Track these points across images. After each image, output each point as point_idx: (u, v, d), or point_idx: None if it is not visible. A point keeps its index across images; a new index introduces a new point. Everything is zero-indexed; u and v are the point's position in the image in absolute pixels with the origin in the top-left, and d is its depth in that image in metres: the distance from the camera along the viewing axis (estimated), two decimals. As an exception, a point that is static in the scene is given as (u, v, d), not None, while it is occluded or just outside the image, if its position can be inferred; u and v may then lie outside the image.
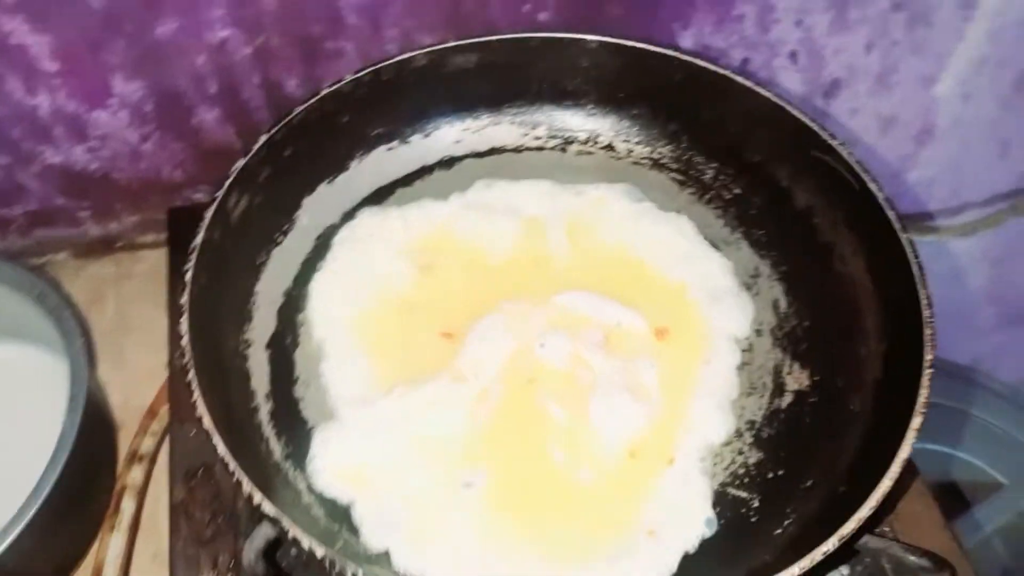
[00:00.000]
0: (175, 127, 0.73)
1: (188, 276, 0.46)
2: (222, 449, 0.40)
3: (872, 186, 0.53)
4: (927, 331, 0.46)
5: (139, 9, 0.63)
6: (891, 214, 0.51)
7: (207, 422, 0.41)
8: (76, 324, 0.61)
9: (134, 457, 0.62)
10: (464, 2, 0.69)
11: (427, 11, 0.69)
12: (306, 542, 0.37)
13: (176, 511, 0.52)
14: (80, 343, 0.59)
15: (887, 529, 0.53)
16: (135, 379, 0.70)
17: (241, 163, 0.53)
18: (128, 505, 0.60)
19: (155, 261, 0.80)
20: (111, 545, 0.58)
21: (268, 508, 0.38)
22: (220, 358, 0.49)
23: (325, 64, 0.70)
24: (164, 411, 0.65)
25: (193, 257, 0.47)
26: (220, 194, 0.51)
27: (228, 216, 0.52)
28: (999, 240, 1.10)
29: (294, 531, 0.37)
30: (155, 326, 0.72)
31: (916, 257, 0.49)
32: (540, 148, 0.65)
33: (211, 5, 0.64)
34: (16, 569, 0.51)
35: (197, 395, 0.41)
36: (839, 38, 0.81)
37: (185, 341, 0.44)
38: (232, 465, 0.39)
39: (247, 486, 0.39)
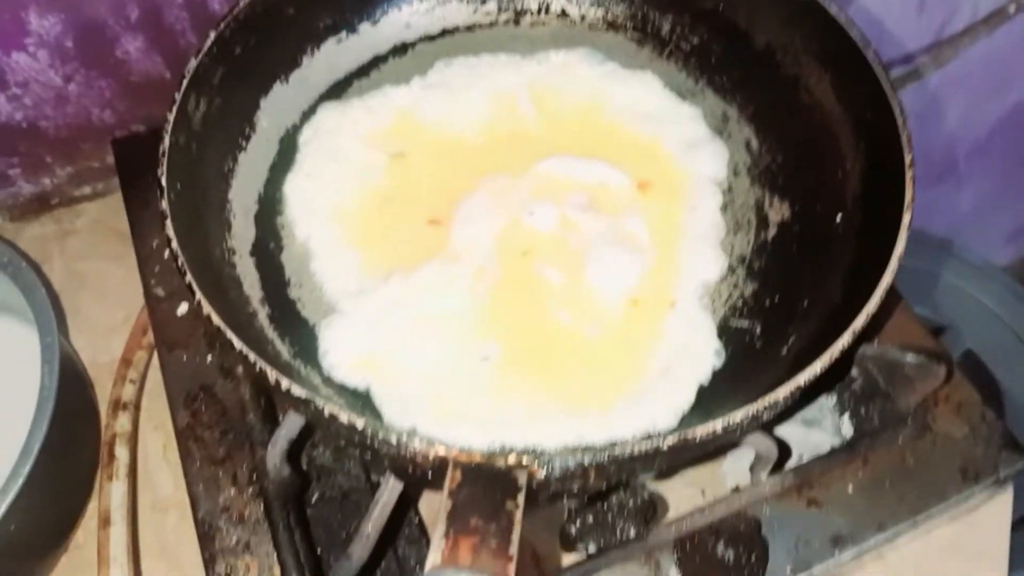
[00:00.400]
0: (99, 62, 0.69)
1: (163, 180, 0.44)
2: (239, 343, 0.39)
3: (831, 9, 0.53)
4: (903, 135, 0.47)
5: (46, -63, 0.58)
6: (854, 33, 0.51)
7: (216, 320, 0.39)
8: (34, 277, 0.59)
9: (117, 405, 0.61)
10: None
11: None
12: (344, 416, 0.37)
13: (183, 436, 0.51)
14: (42, 295, 0.57)
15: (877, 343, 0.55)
16: (98, 335, 0.68)
17: (194, 62, 0.50)
18: (122, 453, 0.59)
19: (96, 213, 0.77)
20: (113, 493, 0.57)
21: (297, 391, 0.38)
22: (210, 265, 0.47)
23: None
24: (139, 358, 0.64)
25: (164, 161, 0.45)
26: (178, 96, 0.49)
27: (190, 120, 0.50)
28: (921, 95, 1.13)
29: (329, 407, 0.37)
30: (108, 279, 0.70)
31: (883, 67, 0.50)
32: (492, 24, 0.63)
33: (119, -80, 0.60)
34: (19, 528, 0.50)
35: (199, 296, 0.40)
36: None
37: (175, 246, 0.42)
38: (252, 357, 0.39)
39: (272, 375, 0.38)
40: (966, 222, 1.33)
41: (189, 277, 0.41)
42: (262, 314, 0.49)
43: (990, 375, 1.05)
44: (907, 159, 0.46)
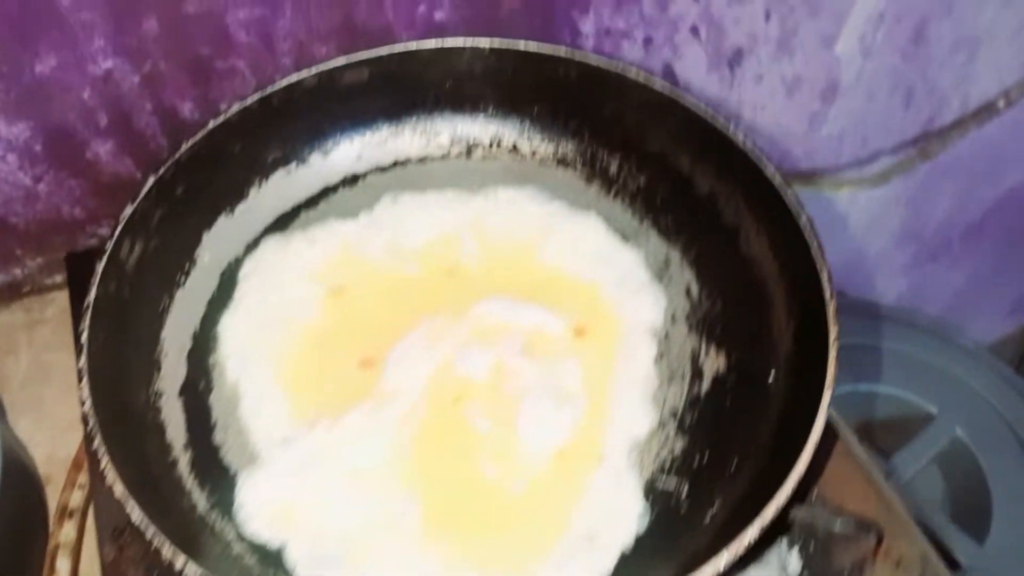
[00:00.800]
0: (69, 164, 0.70)
1: (84, 337, 0.44)
2: (137, 516, 0.39)
3: (768, 170, 0.54)
4: (830, 307, 0.47)
5: (13, 48, 0.60)
6: (788, 196, 0.52)
7: (119, 491, 0.39)
8: None
9: (64, 512, 0.60)
10: (357, 7, 0.68)
11: (319, 20, 0.67)
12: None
13: (108, 573, 0.51)
14: None
15: (815, 494, 0.54)
16: (58, 431, 0.68)
17: (129, 209, 0.51)
18: (63, 564, 0.58)
19: (66, 303, 0.77)
20: (47, 606, 0.56)
21: (192, 572, 0.37)
22: (130, 415, 0.47)
23: (219, 84, 0.68)
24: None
25: (87, 317, 0.45)
26: (110, 245, 0.49)
27: (122, 266, 0.50)
28: (911, 183, 1.13)
29: (220, 590, 0.37)
30: (73, 373, 0.70)
31: (814, 234, 0.50)
32: (444, 156, 0.64)
33: (90, 37, 0.61)
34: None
35: (106, 462, 0.40)
36: (737, 9, 0.82)
37: (87, 407, 0.42)
38: (151, 532, 0.38)
39: (167, 552, 0.38)
40: (962, 299, 1.31)
41: (98, 443, 0.41)
42: (183, 461, 0.49)
43: (976, 463, 1.03)
44: (831, 333, 0.46)
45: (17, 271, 0.77)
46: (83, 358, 0.43)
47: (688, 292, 0.58)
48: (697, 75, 0.87)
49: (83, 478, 0.62)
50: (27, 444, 0.66)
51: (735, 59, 0.87)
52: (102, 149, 0.69)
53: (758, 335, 0.54)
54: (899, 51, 0.91)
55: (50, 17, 0.59)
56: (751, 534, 0.41)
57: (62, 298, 0.77)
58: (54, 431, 0.67)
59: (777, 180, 0.53)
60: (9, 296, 0.78)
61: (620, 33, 0.80)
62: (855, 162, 1.07)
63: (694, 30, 0.82)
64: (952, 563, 0.89)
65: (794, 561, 0.56)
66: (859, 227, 1.19)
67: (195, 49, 0.65)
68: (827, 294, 0.48)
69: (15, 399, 0.70)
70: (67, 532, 0.59)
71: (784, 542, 0.56)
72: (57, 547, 0.58)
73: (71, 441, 0.66)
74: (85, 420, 0.42)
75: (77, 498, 0.61)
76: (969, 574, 0.90)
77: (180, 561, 0.38)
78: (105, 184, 0.72)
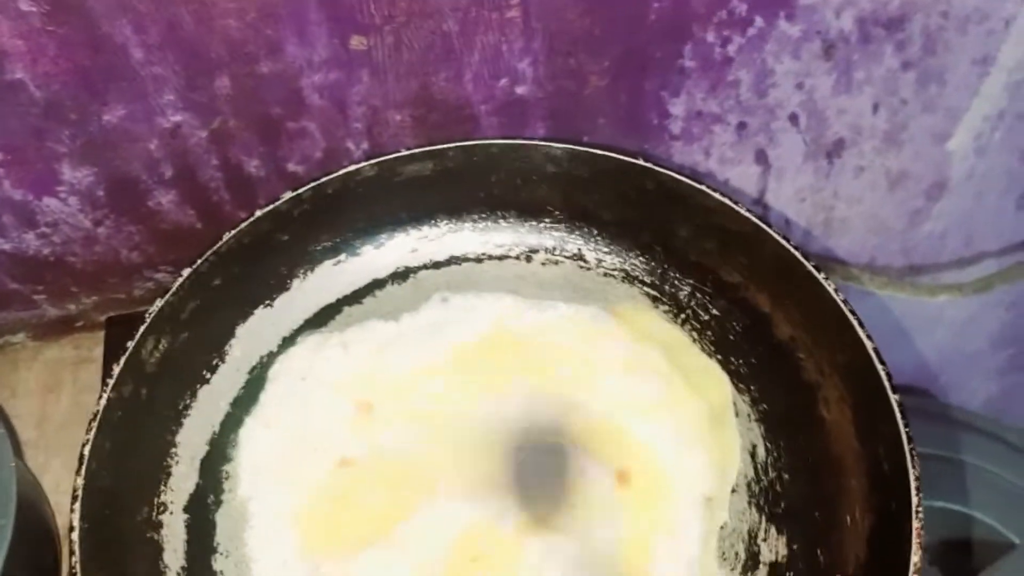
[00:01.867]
0: (130, 211, 0.69)
1: (86, 450, 0.42)
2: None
3: (860, 332, 0.47)
4: (914, 523, 0.40)
5: (84, 98, 0.59)
6: (883, 369, 0.45)
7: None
8: (7, 445, 0.56)
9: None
10: (436, 78, 0.64)
11: (396, 88, 0.64)
12: None
13: None
14: (10, 469, 0.55)
15: None
16: None
17: (158, 305, 0.48)
18: None
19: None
20: None
21: None
22: (123, 539, 0.44)
23: (288, 144, 0.67)
24: None
25: (94, 425, 0.43)
26: (131, 345, 0.46)
27: (143, 367, 0.47)
28: (1016, 288, 1.05)
29: None
30: (110, 420, 0.69)
31: (907, 427, 0.43)
32: (503, 257, 0.60)
33: (161, 91, 0.60)
34: None
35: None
36: (843, 99, 0.76)
37: (75, 536, 0.39)
38: None
39: None
40: None
41: (77, 581, 0.38)
42: (176, 591, 0.46)
43: None
44: (913, 559, 0.39)
45: (71, 306, 0.77)
46: (81, 475, 0.40)
47: (753, 454, 0.51)
48: (792, 163, 0.82)
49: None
50: (53, 491, 0.65)
51: (835, 150, 0.82)
52: (164, 199, 0.68)
53: (829, 522, 0.47)
54: (1017, 151, 0.83)
55: (122, 69, 0.58)
56: None
57: (113, 336, 0.76)
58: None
59: (871, 346, 0.46)
60: (61, 331, 0.78)
61: (712, 117, 0.75)
62: (956, 262, 1.00)
63: (793, 118, 0.77)
64: None
65: None
66: (954, 327, 1.11)
67: (266, 109, 0.64)
68: (914, 506, 0.41)
69: (51, 440, 0.70)
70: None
71: None
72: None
73: (101, 495, 0.65)
74: (71, 549, 0.39)
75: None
76: None
77: None
78: (164, 232, 0.71)
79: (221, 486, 0.50)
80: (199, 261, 0.50)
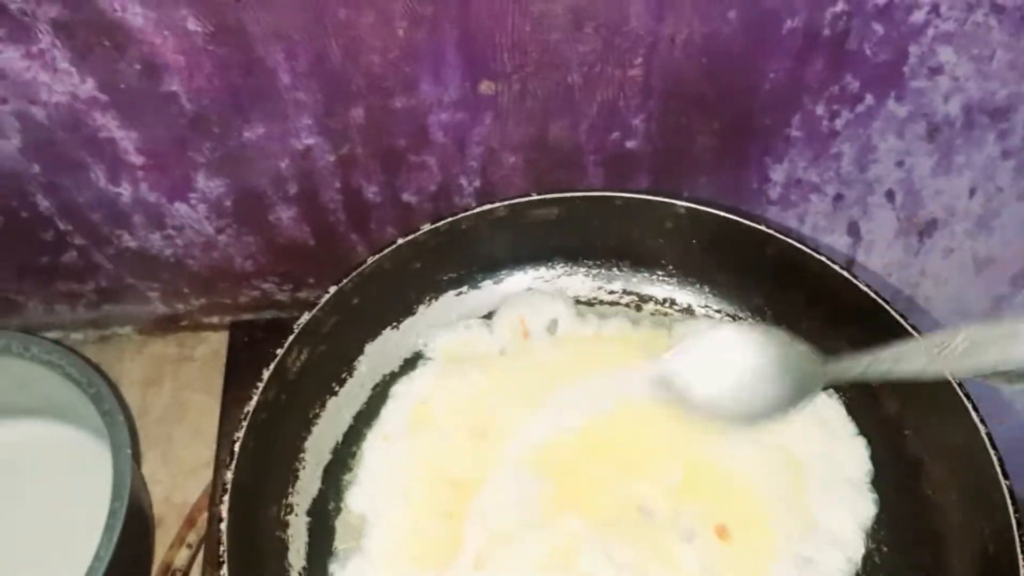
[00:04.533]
0: (251, 222, 0.73)
1: (237, 447, 0.45)
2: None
3: (969, 407, 0.48)
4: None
5: (229, 114, 0.62)
6: (993, 457, 0.46)
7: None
8: (125, 432, 0.59)
9: (167, 572, 0.61)
10: (552, 126, 0.67)
11: (514, 132, 0.67)
12: None
13: None
14: (126, 455, 0.58)
15: None
16: (181, 473, 0.70)
17: (306, 318, 0.51)
18: None
19: (217, 343, 0.80)
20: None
21: None
22: (258, 534, 0.47)
23: (407, 175, 0.70)
24: (203, 520, 0.64)
25: (245, 423, 0.46)
26: (280, 352, 0.49)
27: (286, 372, 0.51)
28: None
29: None
30: (208, 417, 0.72)
31: (1015, 503, 0.44)
32: (614, 303, 0.62)
33: (300, 115, 0.64)
34: None
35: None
36: (941, 181, 0.78)
37: (224, 526, 0.42)
38: None
39: None
40: None
41: (225, 571, 0.40)
42: (299, 588, 0.48)
43: None
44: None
45: (180, 306, 0.81)
46: (231, 470, 0.43)
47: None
48: (883, 238, 0.83)
49: (192, 536, 0.63)
50: (149, 480, 0.69)
51: (927, 230, 0.83)
52: (285, 214, 0.72)
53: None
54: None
55: (268, 91, 0.61)
56: None
57: (214, 339, 0.80)
58: (177, 472, 0.69)
59: (984, 431, 0.47)
60: (166, 328, 0.82)
61: (811, 186, 0.77)
62: None
63: (889, 194, 0.78)
64: None
65: None
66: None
67: (393, 141, 0.67)
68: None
69: (148, 432, 0.74)
70: (163, 593, 0.60)
71: None
72: (152, 603, 0.59)
73: (191, 486, 0.68)
74: (218, 539, 0.41)
75: (183, 557, 0.62)
76: None
77: None
78: (280, 245, 0.75)
79: (341, 494, 0.52)
80: (344, 280, 0.53)
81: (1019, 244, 0.85)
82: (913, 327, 0.53)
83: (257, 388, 0.47)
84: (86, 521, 0.55)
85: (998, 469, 0.45)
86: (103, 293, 0.78)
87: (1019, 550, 0.43)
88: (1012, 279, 0.91)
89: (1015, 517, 0.43)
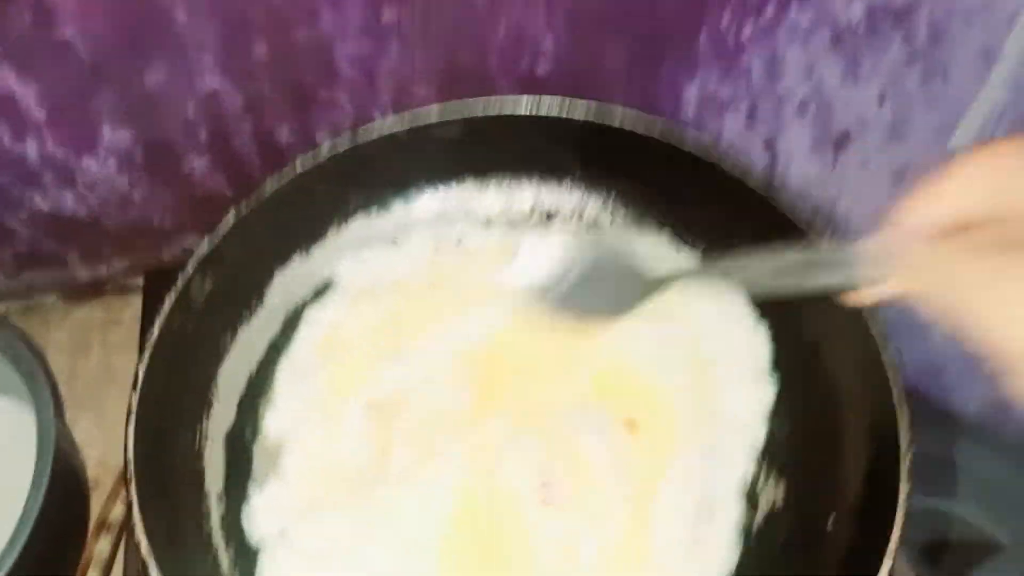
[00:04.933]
0: (165, 175, 0.72)
1: (141, 373, 0.44)
2: (155, 572, 0.38)
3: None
4: (904, 463, 0.43)
5: (128, 59, 0.61)
6: (875, 328, 0.47)
7: (144, 548, 0.39)
8: (47, 391, 0.58)
9: (102, 526, 0.61)
10: (461, 55, 0.67)
11: (423, 62, 0.67)
12: None
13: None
14: (49, 415, 0.57)
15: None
16: (115, 435, 0.68)
17: (207, 246, 0.51)
18: None
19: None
20: (64, 630, 0.56)
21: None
22: (172, 459, 0.47)
23: (318, 114, 0.69)
24: None
25: (148, 352, 0.45)
26: (182, 280, 0.49)
27: (192, 301, 0.50)
28: None
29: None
30: (139, 379, 0.72)
31: (900, 380, 0.46)
32: (524, 220, 0.62)
33: (201, 55, 0.62)
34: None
35: (137, 518, 0.40)
36: (850, 90, 0.79)
37: (131, 455, 0.42)
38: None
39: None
40: None
41: (134, 496, 0.40)
42: (215, 514, 0.49)
43: None
44: (901, 496, 0.42)
45: (102, 268, 0.79)
46: (135, 397, 0.43)
47: (757, 408, 0.54)
48: (800, 153, 0.84)
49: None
50: (83, 445, 0.68)
51: (841, 141, 0.84)
52: (198, 164, 0.71)
53: (826, 469, 0.50)
54: (1020, 149, 0.86)
55: (166, 32, 0.60)
56: None
57: (140, 302, 0.79)
58: (111, 435, 0.68)
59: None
60: (91, 293, 0.80)
61: (724, 103, 0.78)
62: None
63: (802, 107, 0.79)
64: None
65: None
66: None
67: (300, 77, 0.66)
68: (903, 446, 0.43)
69: (81, 397, 0.72)
70: (101, 547, 0.59)
71: None
72: (90, 560, 0.59)
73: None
74: (125, 464, 0.41)
75: (118, 512, 0.61)
76: None
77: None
78: (197, 198, 0.74)
79: (258, 421, 0.53)
80: (242, 205, 0.53)
81: (932, 153, 0.87)
82: (809, 221, 0.53)
83: (158, 318, 0.47)
84: (18, 490, 0.54)
85: (880, 343, 0.47)
86: (21, 259, 0.76)
87: (903, 441, 0.44)
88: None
89: (898, 384, 0.45)
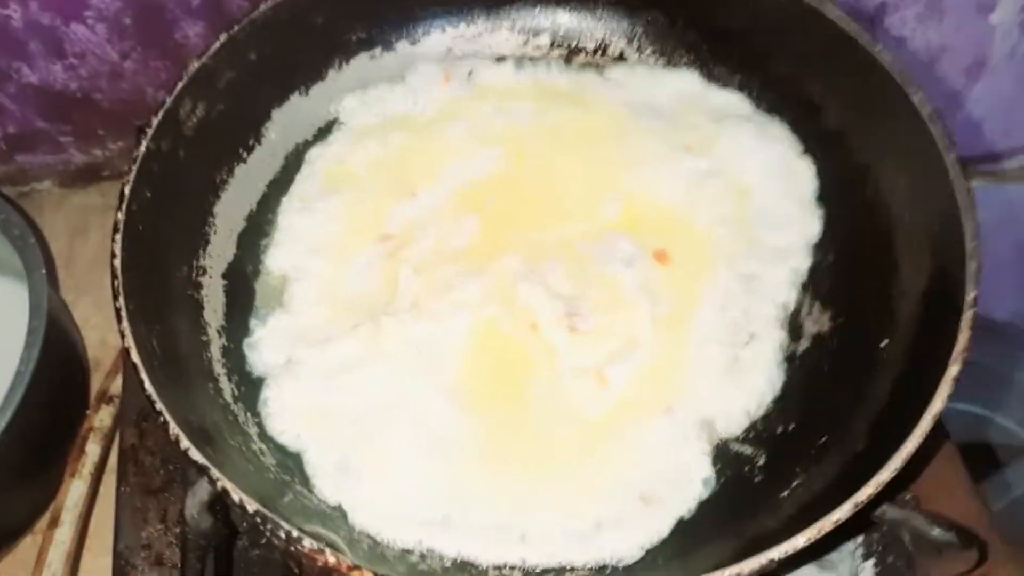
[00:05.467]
0: (157, 43, 0.68)
1: (127, 188, 0.41)
2: (148, 386, 0.35)
3: (915, 99, 0.45)
4: (971, 265, 0.39)
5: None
6: (935, 129, 0.43)
7: (134, 355, 0.36)
8: (38, 254, 0.56)
9: (103, 397, 0.59)
10: None
11: None
12: (236, 495, 0.33)
13: (125, 456, 0.48)
14: (41, 275, 0.55)
15: (908, 496, 0.47)
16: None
17: (196, 64, 0.47)
18: (92, 449, 0.57)
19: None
20: (71, 491, 0.54)
21: (195, 455, 0.33)
22: (166, 285, 0.44)
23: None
24: None
25: (135, 168, 0.42)
26: (170, 99, 0.45)
27: (181, 125, 0.47)
28: None
29: (223, 482, 0.33)
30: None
31: (963, 176, 0.42)
32: (543, 58, 0.58)
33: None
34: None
35: (125, 324, 0.37)
36: None
37: (117, 263, 0.38)
38: (159, 405, 0.35)
39: (173, 429, 0.34)
40: None
41: (120, 301, 0.37)
42: (216, 345, 0.46)
43: None
44: (968, 296, 0.38)
45: (98, 152, 0.76)
46: (122, 211, 0.40)
47: (802, 240, 0.50)
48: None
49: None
50: (83, 326, 0.65)
51: (877, 14, 0.78)
52: (191, 31, 0.67)
53: (875, 296, 0.46)
54: (1062, 29, 0.80)
55: None
56: (834, 518, 0.35)
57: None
58: (111, 316, 0.65)
59: (926, 109, 0.44)
60: (88, 178, 0.77)
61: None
62: (993, 155, 0.96)
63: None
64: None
65: (868, 573, 0.49)
66: (983, 229, 1.07)
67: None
68: (968, 248, 0.39)
69: (80, 279, 0.70)
70: (102, 417, 0.58)
71: (859, 551, 0.49)
72: (90, 431, 0.57)
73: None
74: (113, 275, 0.38)
75: (119, 384, 0.59)
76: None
77: (184, 443, 0.34)
78: (191, 71, 0.70)
79: (259, 257, 0.49)
80: (235, 27, 0.49)
81: (971, 29, 0.82)
82: (859, 31, 0.48)
83: (146, 135, 0.43)
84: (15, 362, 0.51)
85: (940, 144, 0.42)
86: (13, 141, 0.73)
87: (967, 229, 0.40)
88: (966, 70, 0.87)
89: (963, 187, 0.41)
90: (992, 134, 0.95)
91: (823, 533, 0.33)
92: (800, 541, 0.33)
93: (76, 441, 0.57)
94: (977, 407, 0.95)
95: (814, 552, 0.40)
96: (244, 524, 0.43)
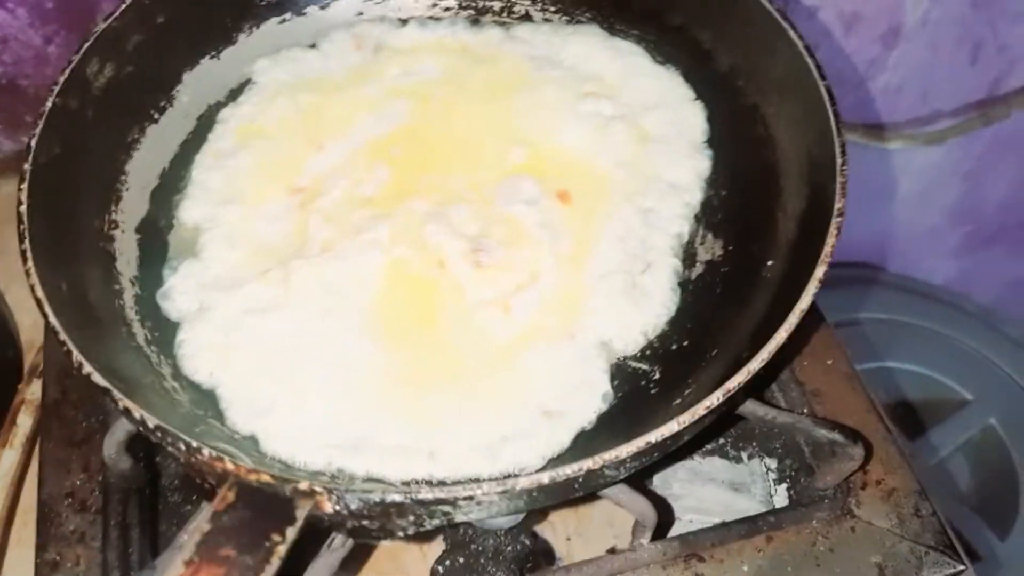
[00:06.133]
0: (80, 26, 0.68)
1: (33, 142, 0.42)
2: (53, 319, 0.36)
3: (793, 34, 0.48)
4: (839, 180, 0.42)
5: None
6: (812, 62, 0.46)
7: (38, 291, 0.37)
8: None
9: (34, 371, 0.59)
10: None
11: None
12: (137, 412, 0.34)
13: (48, 412, 0.49)
14: None
15: (806, 411, 0.50)
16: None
17: (102, 26, 0.48)
18: (24, 420, 0.57)
19: (72, 175, 0.76)
20: (2, 461, 0.55)
21: (98, 379, 0.35)
22: (76, 236, 0.45)
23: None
24: None
25: (41, 122, 0.43)
26: (76, 58, 0.47)
27: (88, 84, 0.48)
28: (970, 152, 1.05)
29: (124, 402, 0.34)
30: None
31: (833, 101, 0.45)
32: (450, 20, 0.60)
33: None
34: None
35: (30, 264, 0.38)
36: None
37: (23, 209, 0.40)
38: (62, 335, 0.36)
39: (76, 356, 0.35)
40: (1017, 291, 1.23)
41: (26, 244, 0.38)
42: (129, 293, 0.47)
43: (1007, 457, 0.98)
44: (836, 206, 0.41)
45: (25, 139, 0.76)
46: (28, 163, 0.41)
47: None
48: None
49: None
50: (17, 309, 0.65)
51: None
52: (114, 12, 0.67)
53: (762, 221, 0.49)
54: (970, -2, 0.83)
55: None
56: (706, 404, 0.37)
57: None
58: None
59: (802, 44, 0.47)
60: (17, 165, 0.77)
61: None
62: (912, 120, 1.00)
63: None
64: (971, 554, 0.85)
65: (781, 495, 0.52)
66: (911, 196, 1.12)
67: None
68: (838, 164, 0.42)
69: (11, 269, 0.69)
70: (33, 390, 0.58)
71: (771, 475, 0.52)
72: (22, 403, 0.58)
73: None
74: (19, 220, 0.39)
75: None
76: (987, 566, 0.86)
77: (87, 368, 0.35)
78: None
79: (172, 213, 0.51)
80: (139, -11, 0.50)
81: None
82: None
83: (52, 92, 0.44)
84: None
85: (816, 74, 0.45)
86: (-62, 130, 0.73)
87: (837, 146, 0.43)
88: (882, 38, 0.90)
89: (832, 109, 0.44)
90: (912, 99, 0.98)
91: (696, 417, 0.35)
92: (674, 426, 0.35)
93: (8, 414, 0.58)
94: (918, 366, 0.99)
95: (699, 441, 0.42)
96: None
